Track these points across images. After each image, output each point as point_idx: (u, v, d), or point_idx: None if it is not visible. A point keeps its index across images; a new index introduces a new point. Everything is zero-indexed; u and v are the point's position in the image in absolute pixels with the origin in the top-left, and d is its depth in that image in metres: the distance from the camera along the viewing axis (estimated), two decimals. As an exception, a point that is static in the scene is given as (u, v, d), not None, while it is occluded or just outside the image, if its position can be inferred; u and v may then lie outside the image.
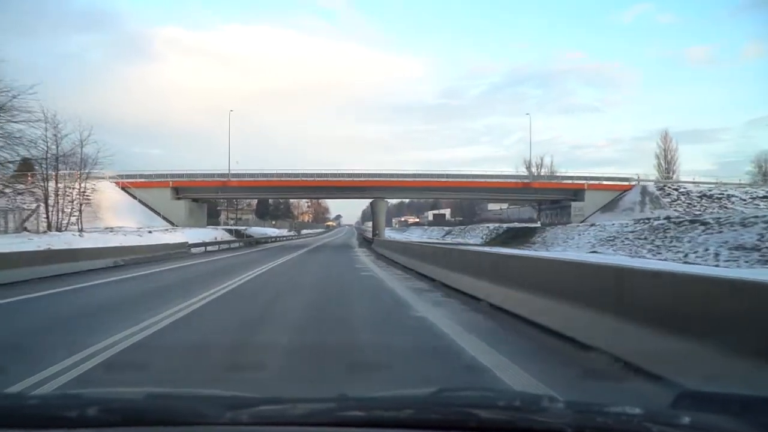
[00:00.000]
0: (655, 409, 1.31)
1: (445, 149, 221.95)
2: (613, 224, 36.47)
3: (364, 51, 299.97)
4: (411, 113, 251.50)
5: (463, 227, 78.00)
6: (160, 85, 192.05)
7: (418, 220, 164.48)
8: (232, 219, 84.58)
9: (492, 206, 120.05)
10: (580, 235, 37.88)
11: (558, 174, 52.89)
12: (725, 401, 1.39)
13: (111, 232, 29.58)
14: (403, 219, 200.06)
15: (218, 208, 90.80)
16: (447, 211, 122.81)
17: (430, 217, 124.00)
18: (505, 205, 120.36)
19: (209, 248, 31.18)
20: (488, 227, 64.18)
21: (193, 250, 27.83)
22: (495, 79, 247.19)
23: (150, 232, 31.92)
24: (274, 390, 1.81)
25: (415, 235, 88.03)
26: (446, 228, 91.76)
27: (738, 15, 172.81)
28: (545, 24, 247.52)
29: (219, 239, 38.76)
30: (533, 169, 54.83)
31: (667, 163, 59.97)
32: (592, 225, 39.05)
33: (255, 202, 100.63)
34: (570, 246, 36.27)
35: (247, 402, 1.30)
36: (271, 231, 68.08)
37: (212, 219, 64.12)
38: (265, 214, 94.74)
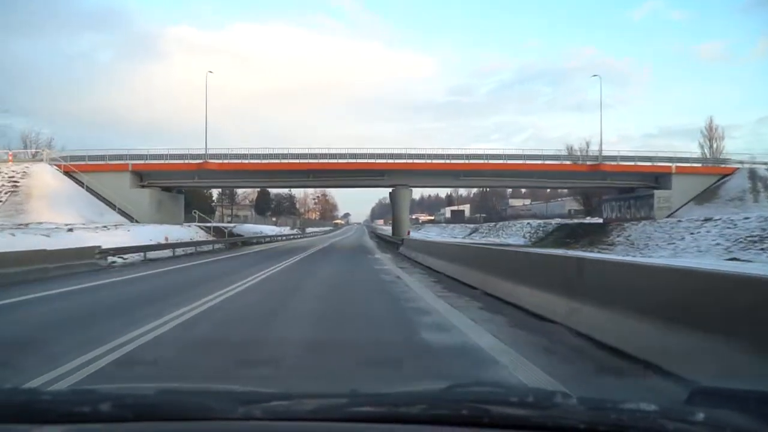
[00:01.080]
0: (669, 406, 1.24)
1: (453, 146, 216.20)
2: (748, 218, 25.41)
3: (372, 49, 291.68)
4: (420, 111, 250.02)
5: (492, 224, 66.85)
6: (167, 84, 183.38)
7: (432, 217, 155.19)
8: (228, 216, 74.89)
9: (513, 202, 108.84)
10: (692, 233, 26.81)
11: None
12: (741, 397, 1.32)
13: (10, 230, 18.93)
14: (414, 217, 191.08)
15: (212, 203, 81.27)
16: (466, 207, 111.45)
17: (448, 214, 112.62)
18: (527, 201, 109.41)
19: (159, 254, 20.59)
20: (529, 224, 53.09)
21: (122, 258, 17.28)
22: (505, 76, 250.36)
23: (71, 230, 21.30)
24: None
25: (433, 234, 77.22)
26: (469, 226, 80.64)
27: (749, 11, 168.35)
28: (556, 21, 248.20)
29: (188, 240, 28.16)
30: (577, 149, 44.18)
31: (712, 153, 51.02)
32: (706, 220, 27.95)
33: (256, 196, 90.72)
34: (684, 250, 25.26)
35: (260, 397, 1.26)
36: (269, 229, 57.66)
37: (204, 215, 54.10)
38: (265, 209, 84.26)
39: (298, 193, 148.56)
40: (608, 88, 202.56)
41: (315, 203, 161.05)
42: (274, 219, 76.92)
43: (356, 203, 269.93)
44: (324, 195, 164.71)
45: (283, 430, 1.18)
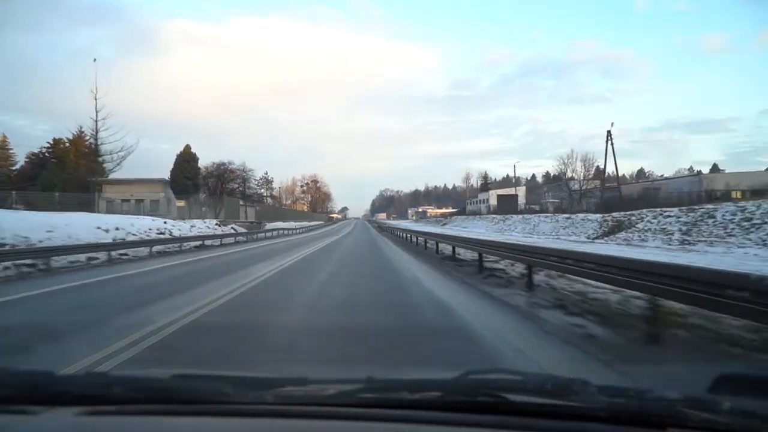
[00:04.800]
0: (693, 394, 1.18)
1: (456, 142, 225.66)
2: None
3: (373, 42, 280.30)
4: (421, 105, 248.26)
5: (607, 217, 31.12)
6: (169, 78, 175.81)
7: (451, 210, 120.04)
8: (126, 199, 40.38)
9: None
10: None
11: None
12: (767, 384, 1.27)
13: None
14: (420, 209, 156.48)
15: (90, 179, 45.55)
16: (521, 191, 75.43)
17: (492, 200, 76.38)
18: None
19: None
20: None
21: None
22: (507, 69, 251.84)
23: None
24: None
25: (487, 231, 42.14)
26: (543, 216, 45.13)
27: (753, 3, 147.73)
28: (558, 13, 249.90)
29: None
30: None
31: None
32: None
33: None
34: None
35: (272, 382, 1.26)
36: (108, 221, 21.66)
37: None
38: (189, 188, 48.08)
39: (279, 177, 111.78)
40: (608, 82, 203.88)
41: (303, 192, 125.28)
42: (180, 204, 41.06)
43: (353, 198, 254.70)
44: (315, 182, 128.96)
45: (295, 414, 1.14)
